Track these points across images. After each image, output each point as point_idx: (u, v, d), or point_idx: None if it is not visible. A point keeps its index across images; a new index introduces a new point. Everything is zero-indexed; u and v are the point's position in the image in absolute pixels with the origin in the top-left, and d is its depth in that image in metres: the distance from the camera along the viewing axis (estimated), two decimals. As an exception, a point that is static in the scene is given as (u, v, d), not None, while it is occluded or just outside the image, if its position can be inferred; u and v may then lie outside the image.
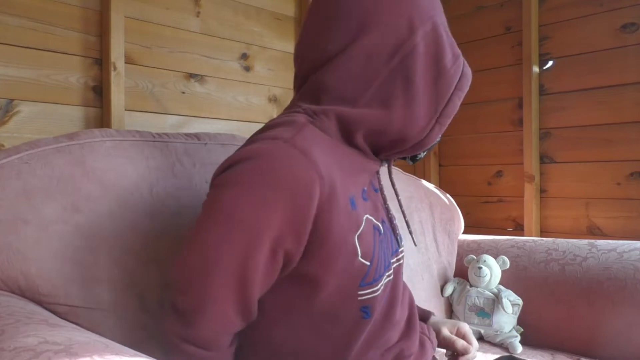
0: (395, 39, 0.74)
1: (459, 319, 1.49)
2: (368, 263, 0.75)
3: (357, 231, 0.74)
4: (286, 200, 0.66)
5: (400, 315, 0.88)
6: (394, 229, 0.88)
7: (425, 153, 0.86)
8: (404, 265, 0.95)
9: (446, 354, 1.00)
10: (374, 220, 0.80)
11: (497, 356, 1.31)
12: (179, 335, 0.72)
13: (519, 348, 1.38)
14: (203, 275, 0.69)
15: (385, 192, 0.88)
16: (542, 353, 1.35)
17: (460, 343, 0.97)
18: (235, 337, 0.78)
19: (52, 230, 0.88)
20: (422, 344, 0.93)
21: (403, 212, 0.94)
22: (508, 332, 1.43)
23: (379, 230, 0.80)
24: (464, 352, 0.96)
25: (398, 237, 0.89)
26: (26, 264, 0.85)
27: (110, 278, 0.92)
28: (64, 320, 0.80)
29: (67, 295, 0.87)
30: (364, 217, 0.76)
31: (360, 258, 0.74)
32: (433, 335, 0.99)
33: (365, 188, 0.82)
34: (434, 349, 0.98)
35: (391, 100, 0.75)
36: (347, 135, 0.76)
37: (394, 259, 0.86)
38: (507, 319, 1.43)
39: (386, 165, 0.88)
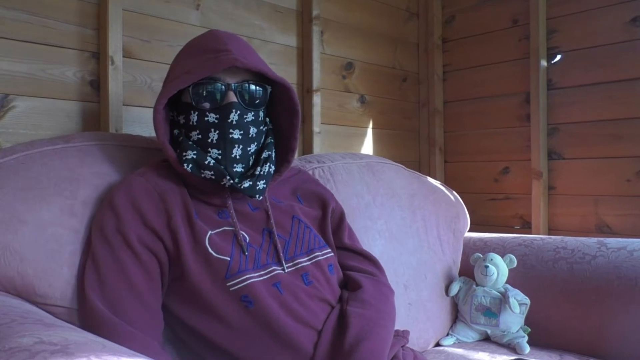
0: None
1: (464, 319, 1.47)
2: (228, 258, 0.88)
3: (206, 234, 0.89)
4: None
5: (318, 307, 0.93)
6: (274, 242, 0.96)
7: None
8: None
9: None
10: (241, 232, 0.92)
11: (504, 357, 1.28)
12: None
13: (527, 348, 1.36)
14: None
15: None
16: (550, 354, 1.33)
17: None
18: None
19: (50, 232, 0.90)
20: None
21: (272, 232, 0.98)
22: (515, 332, 1.41)
23: (242, 237, 0.92)
24: None
25: (280, 250, 0.95)
26: (23, 264, 0.86)
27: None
28: (60, 320, 0.81)
29: (63, 297, 0.88)
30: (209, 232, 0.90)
31: (216, 254, 0.87)
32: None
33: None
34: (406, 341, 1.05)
35: None
36: None
37: (290, 263, 0.95)
38: (514, 319, 1.41)
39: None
